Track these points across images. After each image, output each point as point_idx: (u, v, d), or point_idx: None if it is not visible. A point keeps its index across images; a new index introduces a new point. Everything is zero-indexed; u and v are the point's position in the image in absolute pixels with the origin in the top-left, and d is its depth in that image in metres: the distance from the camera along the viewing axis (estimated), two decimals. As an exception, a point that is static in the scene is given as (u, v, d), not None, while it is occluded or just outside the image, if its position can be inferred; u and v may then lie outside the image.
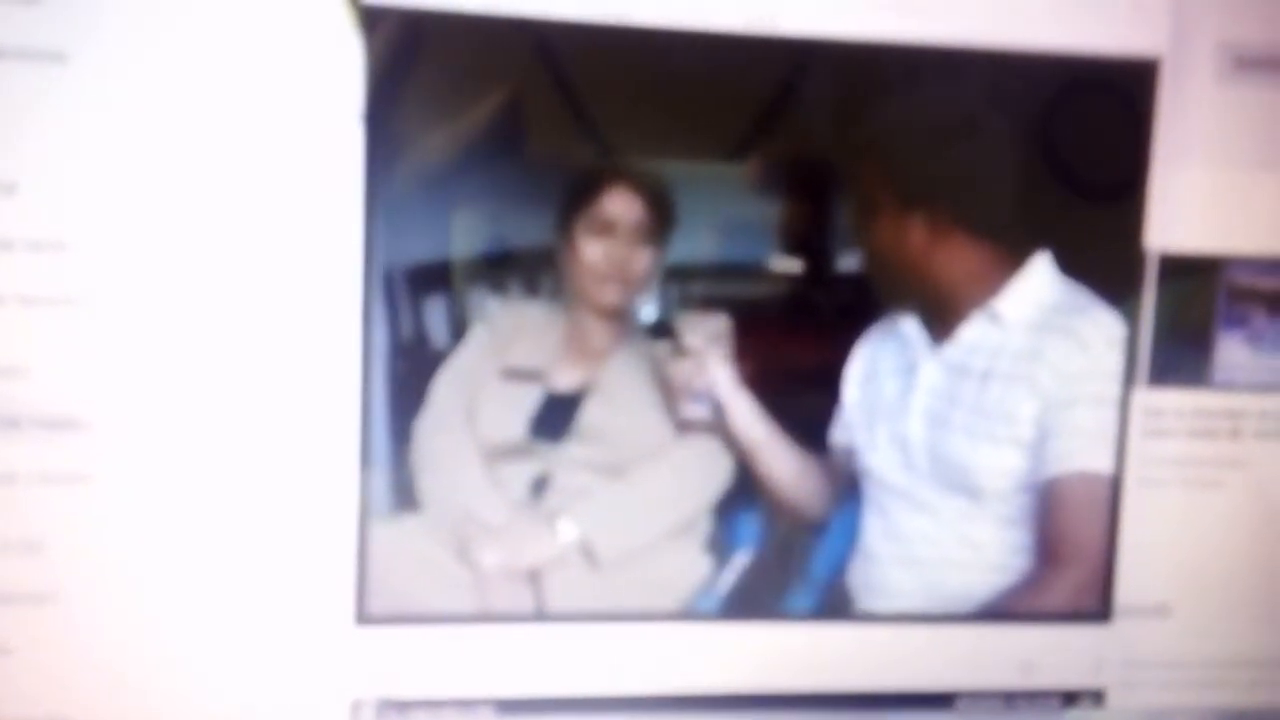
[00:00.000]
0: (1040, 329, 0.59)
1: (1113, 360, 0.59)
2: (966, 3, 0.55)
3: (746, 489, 0.60)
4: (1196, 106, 0.58)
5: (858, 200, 0.59)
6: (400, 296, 0.55)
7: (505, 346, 0.60)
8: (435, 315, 0.57)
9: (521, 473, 0.59)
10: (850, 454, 0.61)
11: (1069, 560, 0.59)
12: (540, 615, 0.58)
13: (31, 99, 0.49)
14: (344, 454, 0.54)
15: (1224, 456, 0.61)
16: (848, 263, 0.60)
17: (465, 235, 0.56)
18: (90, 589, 0.52)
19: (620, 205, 0.59)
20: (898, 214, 0.59)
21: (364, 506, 0.54)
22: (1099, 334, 0.59)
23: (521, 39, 0.53)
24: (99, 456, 0.52)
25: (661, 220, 0.59)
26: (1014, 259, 0.59)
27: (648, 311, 0.60)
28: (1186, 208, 0.58)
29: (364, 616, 0.55)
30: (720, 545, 0.61)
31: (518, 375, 0.60)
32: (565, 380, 0.61)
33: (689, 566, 0.60)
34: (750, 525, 0.61)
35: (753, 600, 0.60)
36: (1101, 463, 0.59)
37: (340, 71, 0.51)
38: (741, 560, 0.61)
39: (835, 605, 0.61)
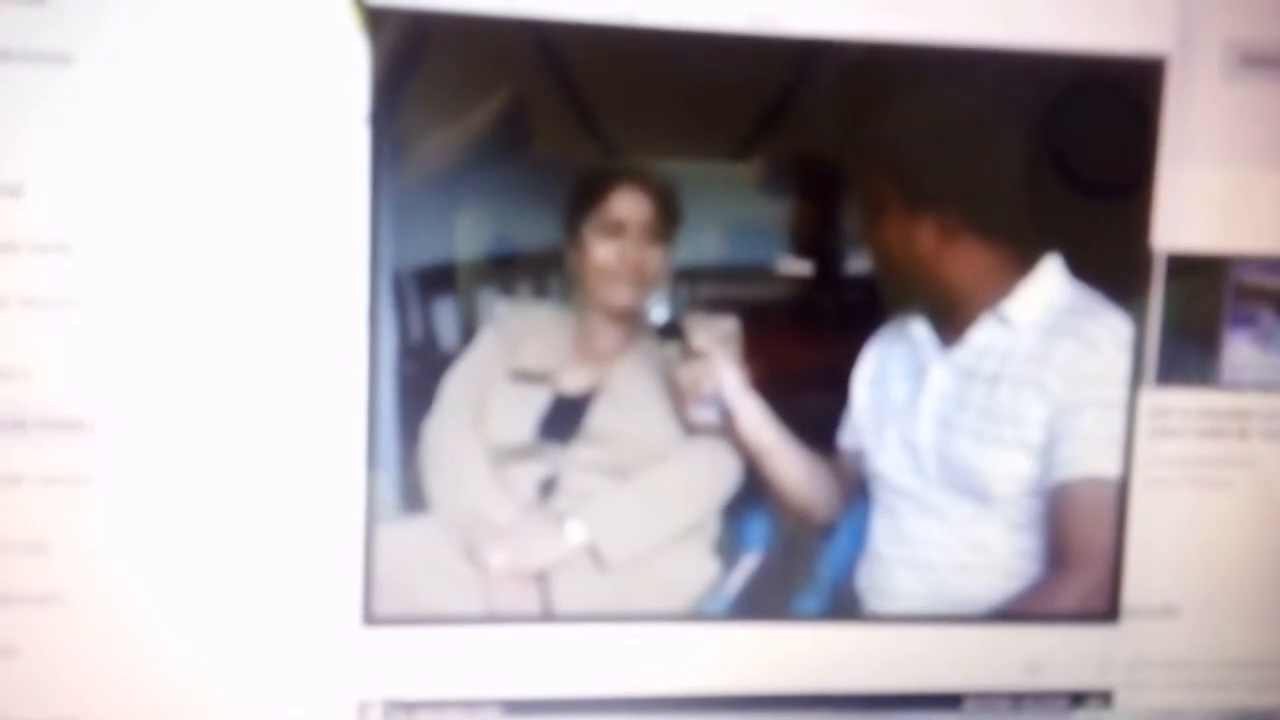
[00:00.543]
0: (1050, 332, 0.59)
1: (1123, 364, 0.59)
2: (971, 3, 0.55)
3: (754, 491, 0.60)
4: (1203, 105, 0.58)
5: (867, 202, 0.59)
6: (409, 298, 0.55)
7: (514, 348, 0.60)
8: (444, 317, 0.57)
9: (530, 474, 0.59)
10: (859, 456, 0.61)
11: (1077, 566, 0.59)
12: (547, 616, 0.58)
13: (37, 101, 0.49)
14: (351, 455, 0.54)
15: (1231, 456, 0.61)
16: (856, 264, 0.60)
17: (474, 237, 0.56)
18: (95, 590, 0.52)
19: (629, 205, 0.59)
20: (907, 215, 0.59)
21: (371, 507, 0.54)
22: (1109, 337, 0.58)
23: (526, 39, 0.53)
24: (104, 458, 0.51)
25: (670, 219, 0.59)
26: (1024, 261, 0.59)
27: (656, 313, 0.60)
28: (1193, 207, 0.58)
29: (370, 617, 0.55)
30: (728, 547, 0.60)
31: (526, 377, 0.60)
32: (574, 382, 0.61)
33: (697, 568, 0.60)
34: (758, 527, 0.61)
35: (761, 603, 0.60)
36: (1111, 468, 0.59)
37: (346, 73, 0.51)
38: (750, 562, 0.60)
39: (843, 608, 0.61)
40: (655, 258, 0.59)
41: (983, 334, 0.60)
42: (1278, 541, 0.62)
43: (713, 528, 0.61)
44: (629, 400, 0.61)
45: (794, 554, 0.61)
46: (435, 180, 0.54)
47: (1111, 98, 0.57)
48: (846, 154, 0.58)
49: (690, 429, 0.60)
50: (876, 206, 0.59)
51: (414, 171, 0.53)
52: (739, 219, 0.58)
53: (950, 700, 0.60)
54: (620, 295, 0.60)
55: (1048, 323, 0.59)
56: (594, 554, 0.59)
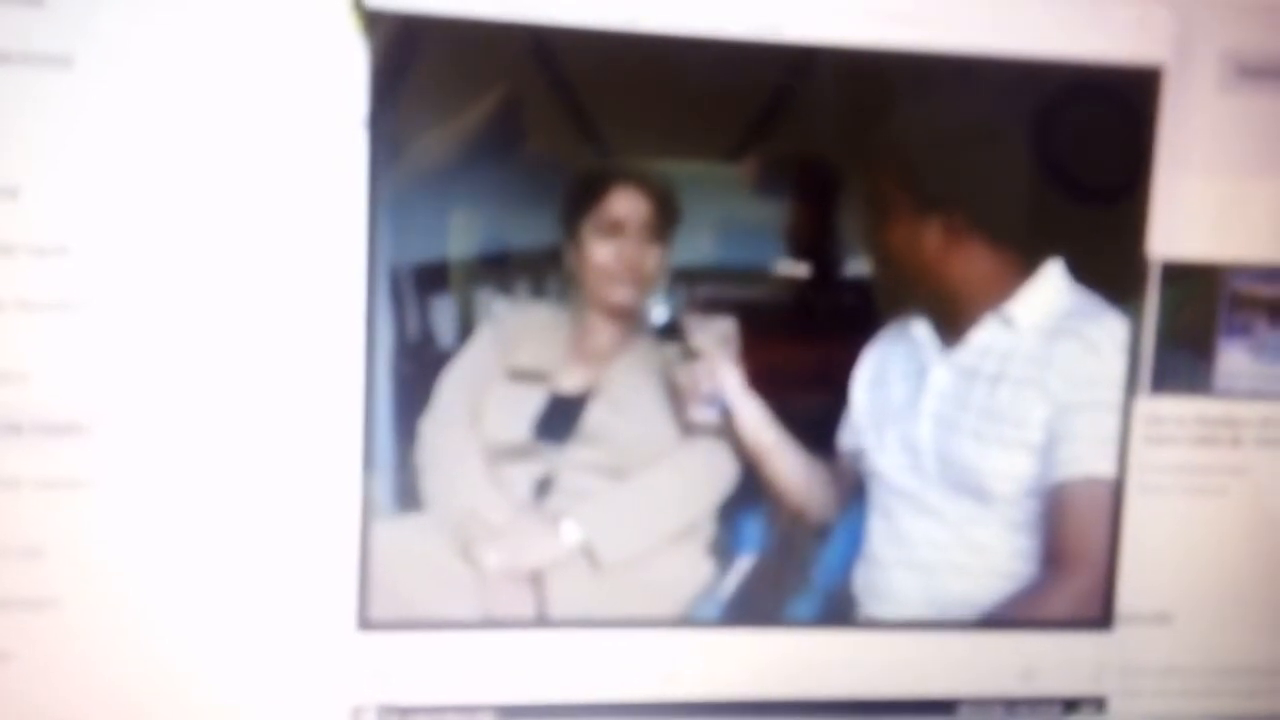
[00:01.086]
0: (1051, 334, 0.59)
1: (1123, 366, 0.59)
2: (971, 12, 0.55)
3: (750, 492, 0.60)
4: (1199, 115, 0.58)
5: (872, 204, 0.59)
6: (407, 297, 0.55)
7: (511, 347, 0.60)
8: (441, 316, 0.57)
9: (525, 474, 0.59)
10: (857, 457, 0.61)
11: (1073, 566, 0.60)
12: (542, 620, 0.58)
13: (34, 102, 0.49)
14: (347, 458, 0.54)
15: (1225, 464, 0.61)
16: (857, 265, 0.60)
17: (471, 236, 0.56)
18: (91, 594, 0.52)
19: (628, 204, 0.59)
20: (914, 218, 0.59)
21: (366, 512, 0.54)
22: (1110, 339, 0.59)
23: (523, 42, 0.53)
24: (100, 461, 0.51)
25: (668, 218, 0.59)
26: (1027, 264, 0.59)
27: (655, 313, 0.60)
28: (1189, 215, 0.59)
29: (365, 622, 0.55)
30: (724, 548, 0.60)
31: (523, 376, 0.60)
32: (570, 382, 0.61)
33: (692, 569, 0.60)
34: (754, 528, 0.61)
35: (756, 604, 0.60)
36: (1109, 468, 0.59)
37: (344, 74, 0.51)
38: (745, 563, 0.60)
39: (839, 610, 0.61)
40: (654, 257, 0.59)
41: (985, 335, 0.60)
42: (1271, 549, 0.62)
43: (708, 529, 0.61)
44: (625, 400, 0.61)
45: (789, 555, 0.61)
46: (432, 180, 0.54)
47: (1108, 106, 0.58)
48: (852, 157, 0.58)
49: (689, 429, 0.60)
50: (882, 209, 0.59)
51: (411, 171, 0.53)
52: (736, 220, 0.58)
53: (944, 706, 0.60)
54: (619, 294, 0.60)
55: (1049, 325, 0.59)
56: (589, 554, 0.59)
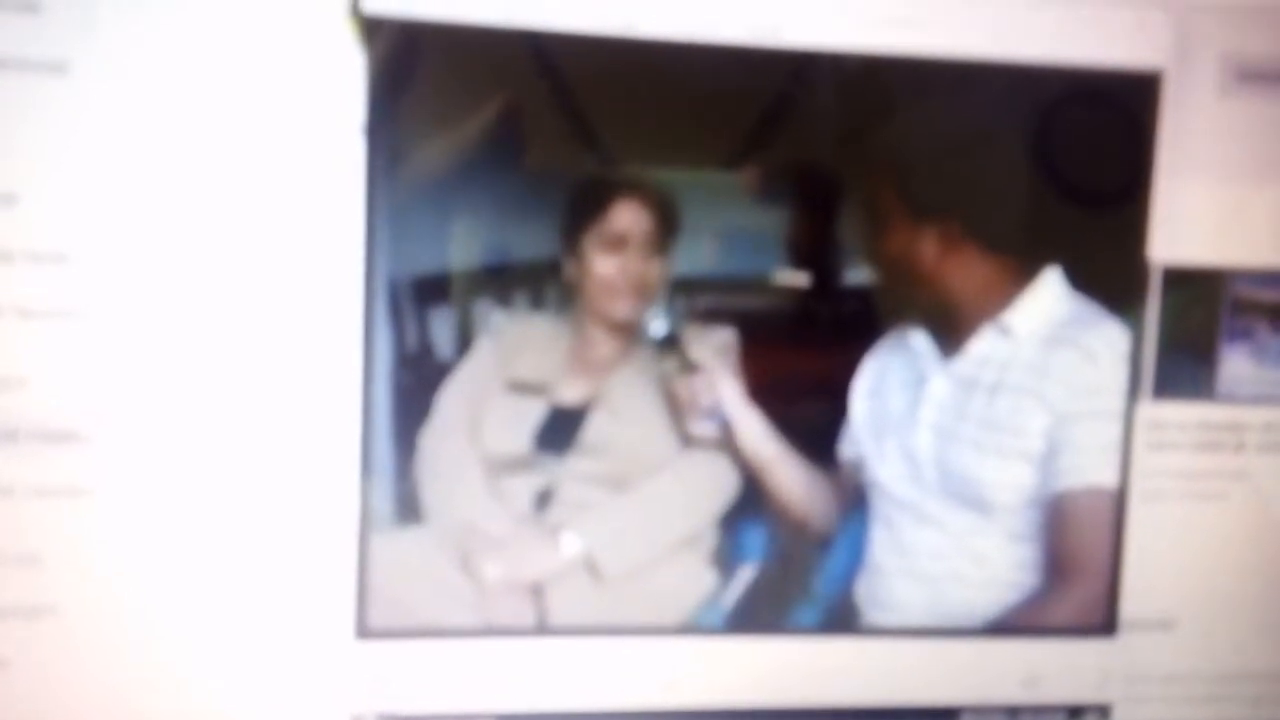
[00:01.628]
0: (1050, 343, 0.59)
1: (1122, 375, 0.59)
2: (969, 18, 0.55)
3: (752, 502, 0.60)
4: (1199, 119, 0.58)
5: (868, 213, 0.59)
6: (406, 308, 0.54)
7: (510, 359, 0.60)
8: (440, 327, 0.56)
9: (526, 486, 0.59)
10: (858, 467, 0.61)
11: (1076, 576, 0.59)
12: (543, 629, 0.58)
13: (32, 109, 0.49)
14: (345, 467, 0.53)
15: (1228, 469, 0.61)
16: (854, 275, 0.60)
17: (470, 247, 0.56)
18: (88, 602, 0.52)
19: (630, 218, 0.59)
20: (910, 227, 0.59)
21: (365, 520, 0.54)
22: (1109, 348, 0.59)
23: (522, 49, 0.53)
24: (98, 469, 0.51)
25: (669, 230, 0.59)
26: (1024, 273, 0.59)
27: (655, 326, 0.60)
28: (1189, 221, 0.59)
29: (364, 631, 0.55)
30: (725, 558, 0.60)
31: (523, 388, 0.60)
32: (570, 393, 0.61)
33: (693, 580, 0.60)
34: (756, 538, 0.61)
35: (758, 614, 0.60)
36: (1110, 477, 0.59)
37: (342, 83, 0.51)
38: (747, 573, 0.60)
39: (841, 619, 0.60)
40: (656, 269, 0.59)
41: (983, 344, 0.60)
42: (1275, 554, 0.62)
43: (710, 539, 0.60)
44: (626, 412, 0.60)
45: (791, 565, 0.61)
46: (431, 190, 0.54)
47: (1108, 111, 0.58)
48: (848, 165, 0.58)
49: (689, 442, 0.60)
50: (878, 218, 0.59)
51: (409, 181, 0.53)
52: (736, 229, 0.58)
53: (947, 714, 0.60)
54: (621, 308, 0.60)
55: (1047, 333, 0.59)
56: (590, 566, 0.58)
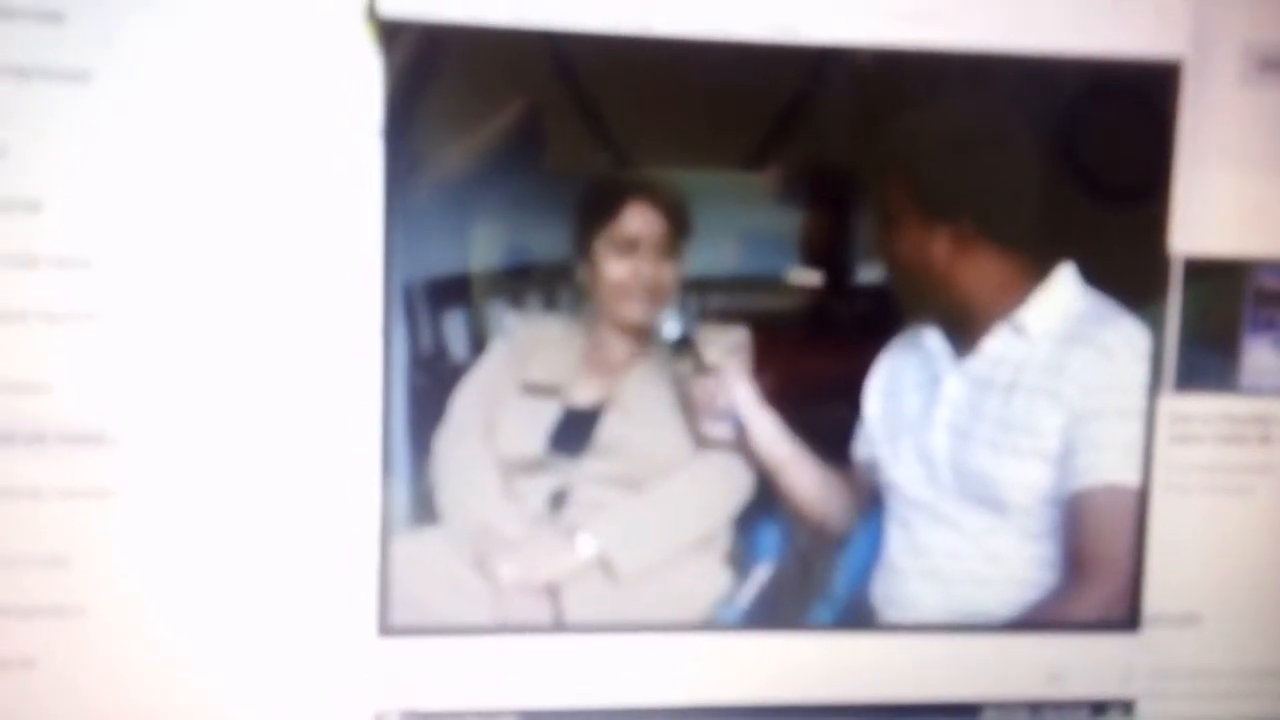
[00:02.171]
0: (1065, 340, 0.58)
1: (1139, 372, 0.58)
2: (987, 10, 0.55)
3: (767, 501, 0.60)
4: (1220, 109, 0.57)
5: (881, 212, 0.59)
6: (420, 310, 0.55)
7: (524, 361, 0.60)
8: (455, 329, 0.57)
9: (540, 487, 0.59)
10: (873, 468, 0.61)
11: (1096, 575, 0.59)
12: (559, 627, 0.58)
13: (55, 118, 0.50)
14: (366, 467, 0.54)
15: (1253, 462, 0.60)
16: (869, 274, 0.60)
17: (484, 249, 0.56)
18: (114, 603, 0.53)
19: (642, 220, 0.59)
20: (922, 226, 0.58)
21: (386, 519, 0.54)
22: (1124, 345, 0.58)
23: (539, 51, 0.53)
24: (123, 471, 0.52)
25: (681, 232, 0.59)
26: (1038, 270, 0.59)
27: (668, 327, 0.60)
28: (1211, 211, 0.58)
29: (386, 628, 0.55)
30: (741, 558, 0.60)
31: (537, 390, 0.60)
32: (584, 395, 0.61)
33: (709, 580, 0.60)
34: (771, 538, 0.61)
35: (773, 614, 0.60)
36: (1128, 475, 0.59)
37: (360, 86, 0.52)
38: (762, 573, 0.60)
39: (857, 619, 0.60)
40: (668, 272, 0.59)
41: (997, 343, 0.59)
42: (1300, 548, 0.61)
43: (725, 539, 0.61)
44: (639, 412, 0.61)
45: (807, 565, 0.61)
46: (444, 192, 0.54)
47: (1127, 103, 0.57)
48: (861, 164, 0.58)
49: (704, 442, 0.60)
50: (891, 217, 0.59)
51: (428, 184, 0.54)
52: (751, 229, 0.58)
53: (969, 710, 0.60)
54: (635, 311, 0.60)
55: (1062, 331, 0.58)
56: (605, 566, 0.59)
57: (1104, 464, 0.58)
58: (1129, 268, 0.58)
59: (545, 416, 0.60)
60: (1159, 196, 0.58)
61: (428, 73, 0.53)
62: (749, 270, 0.59)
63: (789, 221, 0.58)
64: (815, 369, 0.60)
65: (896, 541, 0.61)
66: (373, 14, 0.51)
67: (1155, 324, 0.58)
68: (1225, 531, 0.60)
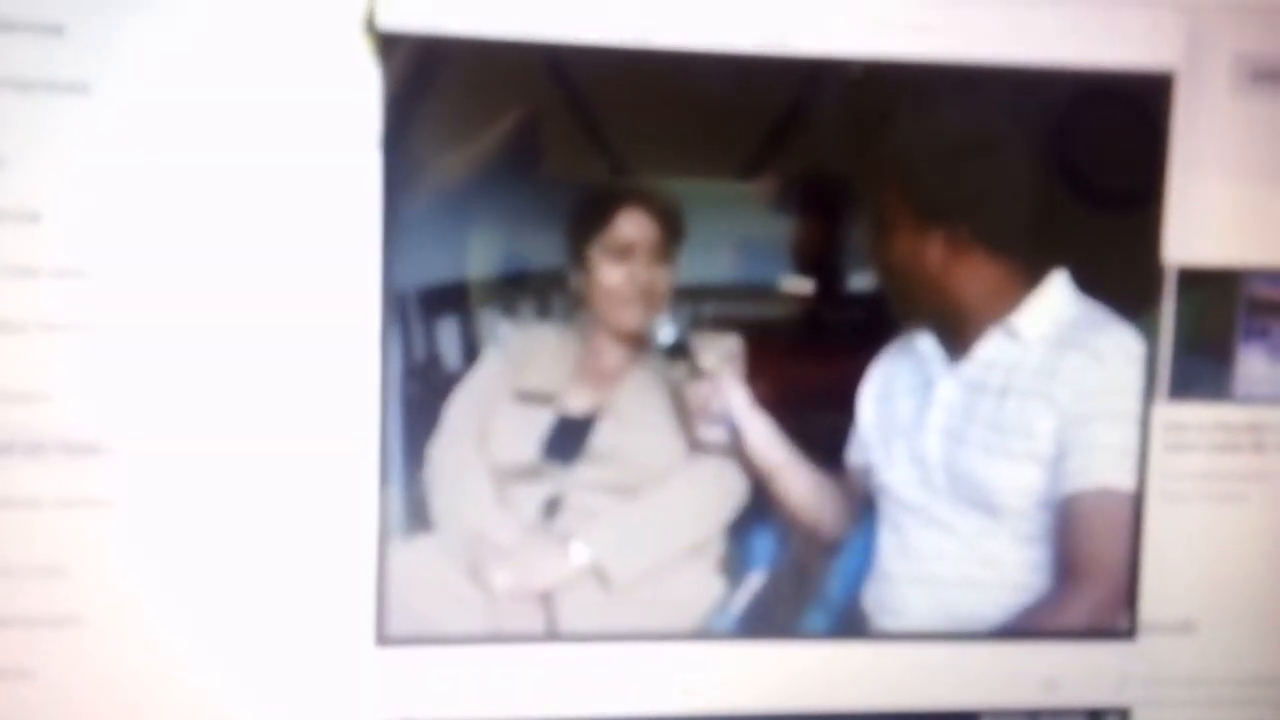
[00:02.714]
0: (1058, 345, 0.59)
1: (1131, 376, 0.58)
2: (980, 20, 0.55)
3: (760, 508, 0.60)
4: (1213, 119, 0.58)
5: (875, 218, 0.59)
6: (413, 318, 0.55)
7: (518, 369, 0.60)
8: (448, 337, 0.57)
9: (534, 495, 0.59)
10: (866, 473, 0.61)
11: (1089, 578, 0.59)
12: (553, 636, 0.58)
13: (54, 129, 0.50)
14: (363, 476, 0.54)
15: (1247, 470, 0.60)
16: (862, 281, 0.60)
17: (478, 257, 0.57)
18: (112, 612, 0.53)
19: (636, 227, 0.59)
20: (916, 231, 0.59)
21: (383, 528, 0.54)
22: (1117, 350, 0.58)
23: (536, 61, 0.53)
24: (121, 481, 0.52)
25: (675, 238, 0.59)
26: (1032, 275, 0.59)
27: (663, 333, 0.60)
28: (1204, 220, 0.58)
29: (384, 638, 0.55)
30: (734, 565, 0.60)
31: (530, 398, 0.60)
32: (577, 403, 0.61)
33: (703, 587, 0.60)
34: (764, 545, 0.61)
35: (767, 621, 0.60)
36: (1121, 479, 0.59)
37: (359, 97, 0.52)
38: (756, 580, 0.60)
39: (851, 625, 0.60)
40: (663, 277, 0.60)
41: (990, 347, 0.59)
42: (1295, 556, 0.61)
43: (718, 546, 0.61)
44: (633, 420, 0.61)
45: (800, 572, 0.61)
46: (439, 201, 0.54)
47: (1121, 112, 0.57)
48: (855, 173, 0.58)
49: (698, 448, 0.60)
50: (886, 222, 0.59)
51: (425, 193, 0.54)
52: (745, 237, 0.59)
53: (965, 718, 0.60)
54: (629, 317, 0.60)
55: (1055, 336, 0.59)
56: (599, 574, 0.59)
57: (1096, 467, 0.58)
58: (1123, 276, 0.59)
59: (539, 424, 0.60)
60: (1152, 206, 0.58)
61: (426, 83, 0.53)
62: (743, 278, 0.59)
63: (783, 229, 0.58)
64: (809, 375, 0.60)
65: (889, 547, 0.61)
66: (371, 26, 0.52)
67: (1149, 332, 0.58)
68: (1220, 539, 0.60)
